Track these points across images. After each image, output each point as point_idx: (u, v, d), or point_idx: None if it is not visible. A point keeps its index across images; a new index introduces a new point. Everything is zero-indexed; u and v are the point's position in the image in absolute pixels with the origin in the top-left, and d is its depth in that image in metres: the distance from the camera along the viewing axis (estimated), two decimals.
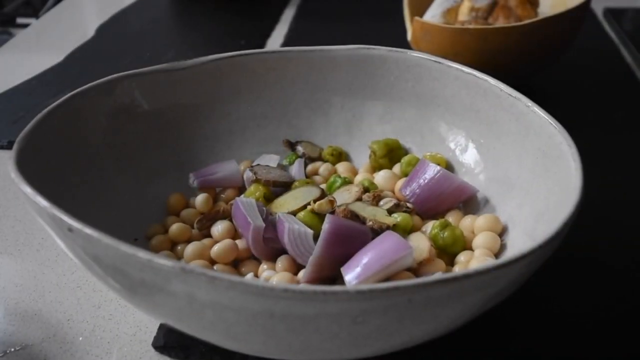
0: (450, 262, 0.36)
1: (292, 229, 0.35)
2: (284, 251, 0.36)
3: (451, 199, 0.39)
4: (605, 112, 0.57)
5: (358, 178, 0.43)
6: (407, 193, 0.40)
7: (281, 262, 0.36)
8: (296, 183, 0.41)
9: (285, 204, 0.39)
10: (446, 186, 0.39)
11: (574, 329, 0.35)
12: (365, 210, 0.37)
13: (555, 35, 0.54)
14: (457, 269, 0.35)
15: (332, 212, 0.36)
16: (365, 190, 0.40)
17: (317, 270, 0.34)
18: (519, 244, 0.35)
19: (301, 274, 0.34)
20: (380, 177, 0.42)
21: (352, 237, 0.34)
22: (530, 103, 0.37)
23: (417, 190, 0.39)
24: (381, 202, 0.39)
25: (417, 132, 0.44)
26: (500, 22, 0.56)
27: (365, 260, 0.32)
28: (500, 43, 0.52)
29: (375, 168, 0.44)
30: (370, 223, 0.35)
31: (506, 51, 0.53)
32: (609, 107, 0.58)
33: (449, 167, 0.42)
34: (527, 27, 0.51)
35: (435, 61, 0.42)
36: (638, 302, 0.37)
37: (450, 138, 0.43)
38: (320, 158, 0.45)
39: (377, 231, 0.35)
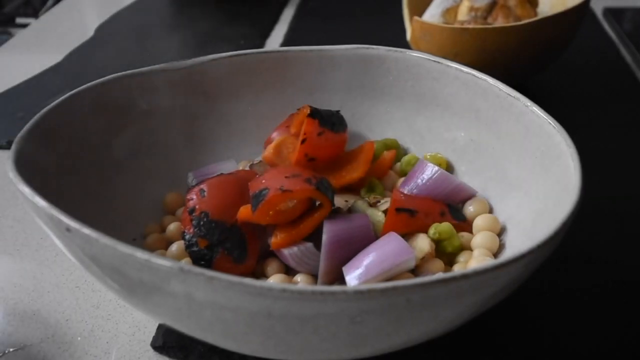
0: (450, 262, 0.36)
1: (293, 253, 0.34)
2: None
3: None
4: (605, 112, 0.57)
5: None
6: (406, 193, 0.39)
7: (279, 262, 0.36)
8: None
9: None
10: (444, 186, 0.39)
11: (574, 329, 0.35)
12: (366, 211, 0.37)
13: (555, 35, 0.54)
14: (456, 269, 0.35)
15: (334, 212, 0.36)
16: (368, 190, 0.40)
17: (329, 280, 0.34)
18: (517, 243, 0.35)
19: (301, 275, 0.34)
20: None
21: (352, 237, 0.34)
22: (529, 103, 0.37)
23: (415, 191, 0.39)
24: (380, 202, 0.39)
25: (416, 132, 0.44)
26: (499, 22, 0.56)
27: (366, 261, 0.32)
28: (499, 43, 0.52)
29: None
30: None
31: (506, 51, 0.52)
32: (609, 107, 0.58)
33: (448, 166, 0.42)
34: (527, 27, 0.51)
35: (435, 61, 0.42)
36: (638, 302, 0.36)
37: (450, 138, 0.43)
38: None
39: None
